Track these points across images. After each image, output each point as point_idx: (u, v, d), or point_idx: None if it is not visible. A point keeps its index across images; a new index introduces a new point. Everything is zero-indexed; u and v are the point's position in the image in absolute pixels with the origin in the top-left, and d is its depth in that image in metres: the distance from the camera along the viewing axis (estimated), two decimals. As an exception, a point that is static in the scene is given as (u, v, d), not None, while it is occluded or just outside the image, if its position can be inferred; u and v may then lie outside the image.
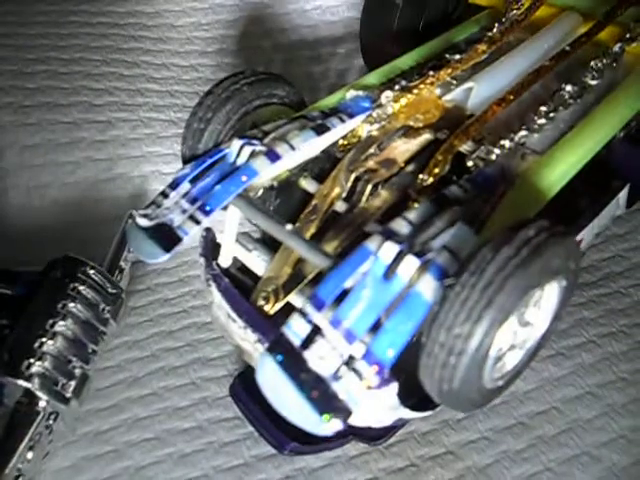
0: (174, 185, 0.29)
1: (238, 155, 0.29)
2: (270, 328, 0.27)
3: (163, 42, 0.51)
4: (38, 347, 0.29)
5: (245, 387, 0.34)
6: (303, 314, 0.23)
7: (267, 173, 0.28)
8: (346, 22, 0.55)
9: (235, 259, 0.31)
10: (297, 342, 0.22)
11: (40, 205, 0.43)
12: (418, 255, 0.23)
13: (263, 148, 0.29)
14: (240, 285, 0.29)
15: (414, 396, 0.24)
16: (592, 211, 0.34)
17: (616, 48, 0.33)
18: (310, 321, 0.22)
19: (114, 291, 0.34)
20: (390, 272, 0.23)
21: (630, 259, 0.46)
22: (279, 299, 0.28)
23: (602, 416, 0.36)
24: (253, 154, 0.28)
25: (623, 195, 0.37)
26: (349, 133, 0.32)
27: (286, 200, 0.31)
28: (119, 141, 0.45)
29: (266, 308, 0.28)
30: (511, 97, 0.31)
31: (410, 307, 0.22)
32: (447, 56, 0.34)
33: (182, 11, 0.53)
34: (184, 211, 0.28)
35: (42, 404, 0.28)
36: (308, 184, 0.31)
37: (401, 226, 0.24)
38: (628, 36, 0.33)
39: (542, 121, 0.30)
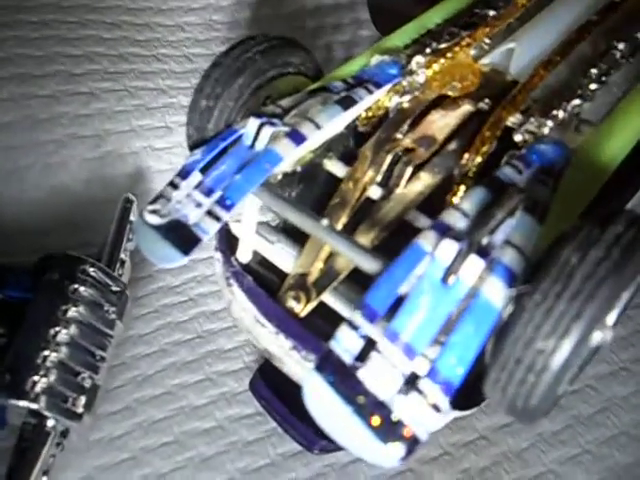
0: (184, 174, 0.26)
1: (256, 137, 0.25)
2: (306, 333, 0.24)
3: (144, -1, 0.46)
4: (42, 362, 0.26)
5: (266, 381, 0.32)
6: (353, 326, 0.20)
7: (292, 157, 0.25)
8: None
9: (255, 253, 0.28)
10: (349, 359, 0.20)
11: (21, 190, 0.39)
12: (480, 253, 0.20)
13: (285, 128, 0.25)
14: (263, 282, 0.27)
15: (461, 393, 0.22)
16: None
17: (669, -2, 0.30)
18: (362, 335, 0.20)
19: (117, 288, 0.31)
20: (450, 275, 0.20)
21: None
22: (311, 299, 0.25)
23: (637, 393, 0.35)
24: (274, 136, 0.25)
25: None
26: (374, 104, 0.29)
27: (310, 185, 0.28)
28: (105, 114, 0.41)
29: (297, 309, 0.25)
30: (558, 58, 0.27)
31: (477, 316, 0.19)
32: (478, 11, 0.31)
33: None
34: (199, 205, 0.24)
35: (51, 423, 0.26)
36: (334, 166, 0.27)
37: (455, 218, 0.21)
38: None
39: (594, 86, 0.26)
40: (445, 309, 0.20)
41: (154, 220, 0.24)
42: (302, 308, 0.25)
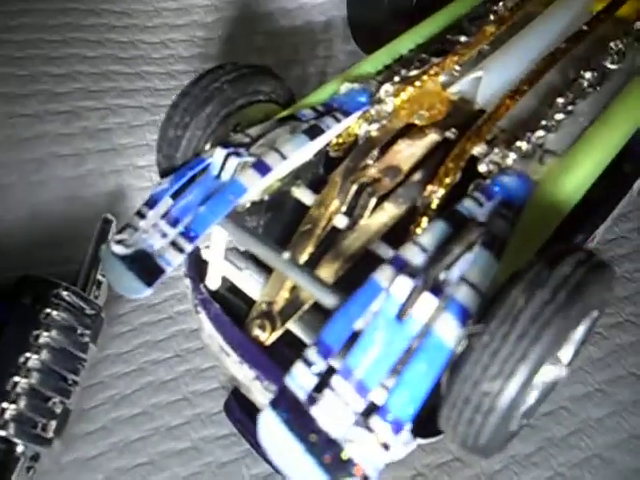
0: (152, 203, 0.26)
1: (222, 167, 0.25)
2: (268, 364, 0.24)
3: (128, 16, 0.46)
4: (12, 388, 0.26)
5: (240, 404, 0.32)
6: (308, 363, 0.20)
7: (256, 188, 0.25)
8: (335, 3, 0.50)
9: (224, 279, 0.28)
10: (303, 396, 0.20)
11: (3, 209, 0.39)
12: (435, 291, 0.20)
13: (251, 159, 0.25)
14: (231, 309, 0.27)
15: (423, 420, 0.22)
16: (607, 206, 0.31)
17: (638, 25, 0.30)
18: (317, 372, 0.20)
19: (92, 312, 0.31)
20: (404, 312, 0.20)
21: (634, 240, 0.44)
22: (276, 327, 0.25)
23: (612, 415, 0.35)
24: (240, 166, 0.25)
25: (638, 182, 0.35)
26: (344, 131, 0.29)
27: (278, 213, 0.28)
28: (87, 133, 0.41)
29: (262, 338, 0.25)
30: (525, 87, 0.27)
31: (429, 354, 0.19)
32: (450, 37, 0.31)
33: (147, -21, 0.47)
34: (165, 235, 0.25)
35: (21, 449, 0.26)
36: (302, 194, 0.28)
37: (413, 253, 0.22)
38: (651, 11, 0.30)
39: (560, 116, 0.27)
40: (399, 346, 0.20)
41: (120, 250, 0.25)
42: (267, 337, 0.25)
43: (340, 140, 0.29)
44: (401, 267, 0.21)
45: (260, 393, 0.25)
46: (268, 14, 0.51)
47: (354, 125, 0.29)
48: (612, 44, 0.29)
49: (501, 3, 0.33)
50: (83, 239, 0.38)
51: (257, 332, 0.25)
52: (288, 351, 0.25)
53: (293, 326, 0.25)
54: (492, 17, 0.32)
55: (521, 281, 0.18)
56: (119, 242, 0.25)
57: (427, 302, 0.20)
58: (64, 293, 0.30)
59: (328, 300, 0.22)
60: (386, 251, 0.25)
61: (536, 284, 0.18)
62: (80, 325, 0.30)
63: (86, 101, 0.41)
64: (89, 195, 0.40)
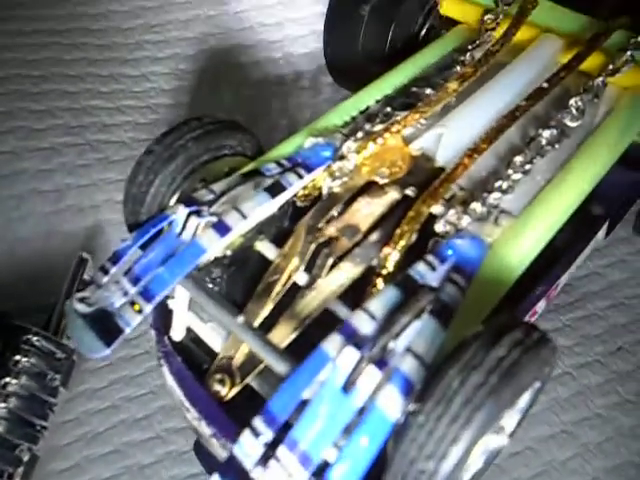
0: (115, 259, 0.27)
1: (184, 226, 0.26)
2: (226, 421, 0.25)
3: (110, 49, 0.47)
4: (-22, 438, 0.27)
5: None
6: (255, 432, 0.21)
7: (216, 248, 0.26)
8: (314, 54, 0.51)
9: (189, 329, 0.29)
10: (250, 465, 0.20)
11: (-18, 244, 0.40)
12: (380, 363, 0.21)
13: (211, 219, 0.26)
14: (194, 361, 0.27)
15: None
16: (572, 253, 0.32)
17: (598, 81, 0.30)
18: (263, 442, 0.20)
19: (63, 355, 0.32)
20: (350, 383, 0.21)
21: (607, 277, 0.45)
22: (235, 383, 0.26)
23: (576, 457, 0.36)
24: (200, 226, 0.26)
25: (603, 228, 0.35)
26: (310, 183, 0.29)
27: (242, 267, 0.28)
28: (66, 169, 0.42)
29: (222, 393, 0.26)
30: (484, 146, 0.28)
31: (371, 426, 0.20)
32: (415, 90, 0.31)
33: (130, 11, 0.48)
34: (126, 293, 0.25)
35: (-13, 498, 0.27)
36: (265, 248, 0.28)
37: (362, 321, 0.22)
38: (611, 67, 0.30)
39: (517, 176, 0.27)
40: (344, 418, 0.20)
41: (82, 308, 0.25)
42: (227, 392, 0.26)
43: (306, 192, 0.30)
44: (349, 336, 0.22)
45: (218, 448, 0.25)
46: (251, 46, 0.51)
47: (319, 178, 0.30)
48: (572, 101, 0.29)
49: (468, 54, 0.33)
50: (60, 274, 0.39)
51: (217, 387, 0.26)
52: (248, 406, 0.25)
53: (253, 381, 0.26)
54: (457, 69, 0.32)
55: (456, 362, 0.19)
56: (81, 300, 0.26)
57: (371, 375, 0.20)
58: (34, 339, 0.31)
59: (279, 367, 0.22)
60: (343, 310, 0.25)
61: (470, 366, 0.18)
62: (50, 370, 0.31)
63: (65, 137, 0.42)
64: (68, 230, 0.41)
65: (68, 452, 0.35)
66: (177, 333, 0.28)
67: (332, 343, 0.22)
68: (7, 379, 0.29)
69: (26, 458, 0.28)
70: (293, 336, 0.25)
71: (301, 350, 0.23)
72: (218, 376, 0.26)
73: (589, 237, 0.33)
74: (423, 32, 0.38)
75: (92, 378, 0.38)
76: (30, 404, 0.29)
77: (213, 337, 0.28)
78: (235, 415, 0.25)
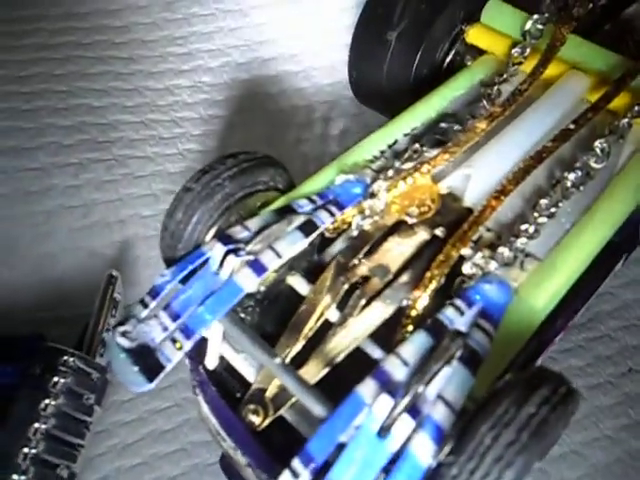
0: (154, 293, 0.28)
1: (221, 264, 0.27)
2: (261, 453, 0.26)
3: (134, 62, 0.47)
4: (22, 459, 0.28)
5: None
6: (294, 473, 0.22)
7: (253, 287, 0.27)
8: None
9: (222, 357, 0.30)
10: (289, 505, 0.22)
11: (11, 260, 0.41)
12: (412, 409, 0.22)
13: (248, 258, 0.27)
14: (228, 389, 0.29)
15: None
16: (592, 285, 0.33)
17: (624, 122, 0.31)
18: (302, 483, 0.22)
19: (97, 375, 0.33)
20: (384, 429, 0.22)
21: (620, 297, 0.46)
22: (268, 414, 0.27)
23: (585, 477, 0.37)
24: (237, 265, 0.27)
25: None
26: (339, 219, 0.30)
27: (274, 302, 0.29)
28: (93, 184, 0.42)
29: (256, 423, 0.27)
30: (510, 187, 0.29)
31: (405, 472, 0.21)
32: (443, 125, 0.32)
33: (153, 23, 0.48)
34: (165, 329, 0.26)
35: (30, 515, 0.28)
36: (297, 282, 0.29)
37: (394, 366, 0.23)
38: (637, 108, 0.31)
39: (543, 220, 0.28)
40: (379, 462, 0.22)
41: (124, 343, 0.26)
42: (260, 422, 0.27)
43: (335, 225, 0.31)
44: (384, 382, 0.23)
45: (253, 477, 0.27)
46: (272, 59, 0.52)
47: (348, 213, 0.30)
48: (597, 142, 0.30)
49: (495, 88, 0.34)
50: (89, 289, 0.40)
51: (251, 417, 0.27)
52: (282, 436, 0.27)
53: (286, 413, 0.27)
54: (485, 104, 0.33)
55: (489, 417, 0.20)
56: (123, 334, 0.27)
57: (406, 422, 0.22)
58: (70, 360, 0.32)
59: (315, 409, 0.23)
60: (374, 349, 0.26)
61: (502, 423, 0.20)
62: (86, 389, 0.32)
63: (92, 152, 0.43)
64: (95, 245, 0.42)
65: (98, 464, 0.37)
66: (211, 362, 0.29)
67: (367, 388, 0.23)
68: (47, 401, 0.30)
69: (65, 476, 0.30)
70: (325, 372, 0.26)
71: (333, 386, 0.25)
72: (252, 406, 0.27)
73: (609, 268, 0.34)
74: (448, 59, 0.39)
75: (119, 390, 0.39)
76: (68, 424, 0.31)
77: (246, 367, 0.29)
78: (269, 444, 0.27)
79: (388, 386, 0.23)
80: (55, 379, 0.31)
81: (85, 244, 0.42)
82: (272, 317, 0.30)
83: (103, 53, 0.47)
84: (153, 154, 0.45)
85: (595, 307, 0.45)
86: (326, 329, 0.28)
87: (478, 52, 0.38)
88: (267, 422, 0.27)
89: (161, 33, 0.49)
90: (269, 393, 0.28)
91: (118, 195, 0.43)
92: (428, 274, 0.26)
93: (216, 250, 0.27)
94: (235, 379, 0.29)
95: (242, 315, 0.30)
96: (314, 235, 0.28)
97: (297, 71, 0.51)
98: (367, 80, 0.41)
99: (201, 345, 0.30)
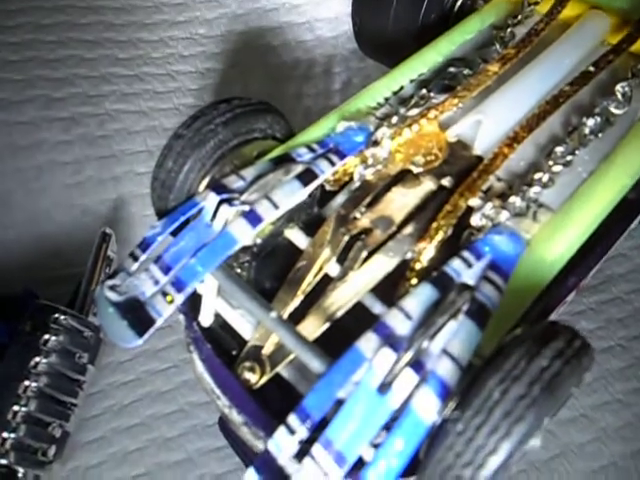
0: (144, 246, 0.26)
1: (215, 214, 0.26)
2: (257, 411, 0.25)
3: (127, 12, 0.45)
4: (12, 417, 0.27)
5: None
6: (290, 429, 0.21)
7: (248, 238, 0.25)
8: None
9: (218, 315, 0.29)
10: (284, 461, 0.21)
11: (3, 215, 0.40)
12: (416, 364, 0.21)
13: (242, 208, 0.25)
14: (224, 347, 0.27)
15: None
16: (606, 242, 0.31)
17: (647, 66, 0.28)
18: (298, 439, 0.21)
19: (90, 333, 0.32)
20: (385, 385, 0.21)
21: (634, 259, 0.44)
22: (265, 372, 0.26)
23: (595, 441, 0.36)
24: (231, 216, 0.25)
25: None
26: (340, 169, 0.29)
27: (271, 255, 0.28)
28: (85, 140, 0.41)
29: (252, 381, 0.26)
30: (524, 134, 0.27)
31: (406, 429, 0.20)
32: (452, 70, 0.30)
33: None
34: (156, 282, 0.25)
35: (21, 474, 0.27)
36: (295, 236, 0.28)
37: (397, 320, 0.22)
38: (662, 50, 0.29)
39: (558, 168, 0.26)
40: (379, 419, 0.20)
41: (113, 297, 0.25)
42: (257, 380, 0.26)
43: (336, 176, 0.29)
44: (386, 336, 0.21)
45: (249, 435, 0.26)
46: (273, 9, 0.49)
47: (350, 162, 0.29)
48: (619, 86, 0.28)
49: (508, 30, 0.32)
50: (83, 247, 0.39)
51: (247, 375, 0.26)
52: (278, 394, 0.26)
53: (283, 370, 0.26)
54: (497, 47, 0.31)
55: (497, 371, 0.19)
56: (112, 288, 0.25)
57: (408, 378, 0.20)
58: (62, 317, 0.31)
59: (313, 364, 0.22)
60: (376, 304, 0.25)
61: (511, 377, 0.18)
62: (78, 348, 0.31)
63: (84, 107, 0.41)
64: (89, 202, 0.41)
65: (95, 424, 0.36)
66: (206, 319, 0.28)
67: (368, 343, 0.21)
68: (37, 358, 0.29)
69: (58, 435, 0.29)
70: (324, 328, 0.25)
71: (332, 342, 0.23)
72: (248, 364, 0.26)
73: (624, 225, 0.32)
74: (459, 3, 0.36)
75: (116, 352, 0.38)
76: (60, 382, 0.30)
77: (242, 324, 0.28)
78: (265, 403, 0.26)
79: (390, 340, 0.21)
80: (46, 337, 0.30)
81: (78, 201, 0.40)
82: (269, 272, 0.28)
83: (94, 3, 0.44)
84: (148, 109, 0.43)
85: (607, 269, 0.43)
86: (326, 283, 0.26)
87: (490, -5, 0.36)
88: (264, 380, 0.26)
89: (155, -18, 0.47)
90: (266, 350, 0.26)
91: (112, 151, 0.41)
92: (434, 224, 0.25)
93: (209, 200, 0.26)
94: (231, 336, 0.28)
95: (238, 270, 0.29)
96: (314, 185, 0.26)
97: (300, 22, 0.49)
98: (372, 28, 0.39)
99: (195, 301, 0.29)
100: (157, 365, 0.39)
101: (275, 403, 0.26)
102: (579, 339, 0.20)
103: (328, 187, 0.29)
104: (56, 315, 0.31)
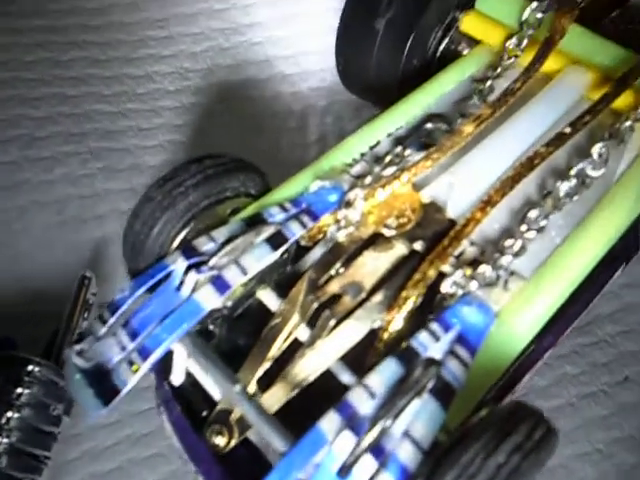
0: (113, 309, 0.26)
1: (183, 281, 0.25)
2: (223, 477, 0.25)
3: (112, 47, 0.44)
4: (-19, 476, 0.27)
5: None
6: (249, 511, 0.21)
7: (215, 305, 0.25)
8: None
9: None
10: None
11: (-15, 256, 0.40)
12: (376, 449, 0.20)
13: (211, 273, 0.25)
14: (194, 407, 0.27)
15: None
16: (585, 299, 0.31)
17: (625, 126, 0.28)
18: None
19: (65, 383, 0.32)
20: (345, 469, 0.20)
21: (622, 298, 0.44)
22: (234, 436, 0.26)
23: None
24: (199, 282, 0.25)
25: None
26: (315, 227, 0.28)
27: (244, 315, 0.28)
28: (68, 179, 0.41)
29: (221, 445, 0.26)
30: (497, 198, 0.26)
31: (366, 516, 0.20)
32: (429, 126, 0.30)
33: (132, 4, 0.45)
34: (124, 348, 0.25)
35: (-9, 532, 0.27)
36: (266, 297, 0.27)
37: (361, 399, 0.22)
38: (640, 110, 0.28)
39: (531, 234, 0.26)
40: (338, 504, 0.20)
41: (80, 363, 0.25)
42: (225, 445, 0.26)
43: (311, 233, 0.29)
44: (348, 417, 0.21)
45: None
46: (259, 42, 0.49)
47: (325, 220, 0.28)
48: (596, 147, 0.27)
49: (488, 83, 0.31)
50: (66, 288, 0.39)
51: (215, 439, 0.26)
52: (248, 459, 0.25)
53: (252, 435, 0.26)
54: (476, 101, 0.30)
55: (454, 467, 0.18)
56: (79, 353, 0.25)
57: (367, 464, 0.20)
58: (36, 369, 0.31)
59: (275, 443, 0.22)
60: (344, 373, 0.25)
61: (468, 475, 0.18)
62: (53, 400, 0.31)
63: (66, 145, 0.41)
64: (71, 242, 0.40)
65: (73, 469, 0.36)
66: (177, 378, 0.28)
67: (330, 423, 0.21)
68: (9, 414, 0.29)
69: (29, 490, 0.29)
70: (290, 397, 0.25)
71: (298, 412, 0.23)
72: (216, 427, 0.26)
73: (603, 282, 0.32)
74: (442, 48, 0.36)
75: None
76: (33, 436, 0.30)
77: (213, 385, 0.27)
78: (233, 468, 0.25)
79: (352, 421, 0.21)
80: (19, 390, 0.30)
81: (61, 241, 0.40)
82: (241, 332, 0.28)
83: (78, 37, 0.44)
84: (132, 146, 0.43)
85: (594, 309, 0.42)
86: (296, 348, 0.26)
87: (475, 41, 0.36)
88: (232, 445, 0.26)
89: (141, 15, 0.46)
90: (235, 414, 0.26)
91: (94, 190, 0.41)
92: (403, 293, 0.25)
93: (178, 265, 0.26)
94: (202, 396, 0.28)
95: (211, 327, 0.29)
96: (283, 249, 0.26)
97: (286, 56, 0.48)
98: (355, 69, 0.39)
99: (168, 359, 0.29)
100: (138, 406, 0.38)
101: (244, 468, 0.26)
102: (542, 426, 0.20)
103: (303, 243, 0.29)
104: (30, 367, 0.31)
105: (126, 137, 0.43)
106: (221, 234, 0.27)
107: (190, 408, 0.27)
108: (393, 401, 0.21)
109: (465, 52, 0.36)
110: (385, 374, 0.22)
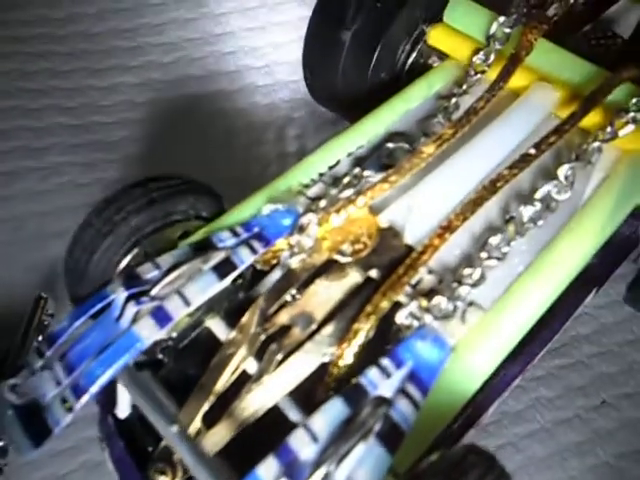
0: (51, 341, 0.25)
1: (123, 311, 0.24)
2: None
3: (76, 58, 0.43)
4: None
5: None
6: None
7: (155, 338, 0.24)
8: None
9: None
10: None
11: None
12: (317, 498, 0.19)
13: (152, 304, 0.24)
14: (141, 442, 0.26)
15: None
16: (552, 328, 0.29)
17: (593, 147, 0.27)
18: None
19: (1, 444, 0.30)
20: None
21: (599, 319, 0.42)
22: (177, 476, 0.25)
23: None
24: (140, 313, 0.24)
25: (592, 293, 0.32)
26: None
27: (192, 345, 0.26)
28: (26, 194, 0.39)
29: (163, 484, 0.25)
30: (457, 223, 0.25)
31: None
32: (390, 146, 0.28)
33: (97, 14, 0.44)
34: (59, 383, 0.23)
35: None
36: (216, 326, 0.26)
37: (302, 443, 0.20)
38: (609, 130, 0.27)
39: (491, 262, 0.24)
40: None
41: (13, 399, 0.23)
42: (167, 484, 0.25)
43: (266, 257, 0.27)
44: (287, 463, 0.20)
45: None
46: (231, 53, 0.48)
47: (279, 245, 0.27)
48: (562, 170, 0.26)
49: (453, 100, 0.30)
50: (25, 305, 0.37)
51: (158, 478, 0.25)
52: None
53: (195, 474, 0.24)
54: (440, 119, 0.29)
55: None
56: (13, 388, 0.24)
57: (304, 517, 0.19)
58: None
59: (211, 488, 0.21)
60: (292, 409, 0.23)
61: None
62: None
63: (26, 160, 0.39)
64: (30, 260, 0.39)
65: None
66: (122, 410, 0.27)
67: (268, 469, 0.20)
68: (-52, 447, 0.28)
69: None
70: (234, 434, 0.24)
71: (242, 450, 0.22)
72: (160, 466, 0.25)
73: (575, 305, 0.30)
74: (410, 61, 0.35)
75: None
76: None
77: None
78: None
79: (291, 467, 0.20)
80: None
81: (20, 258, 0.39)
82: (190, 362, 0.27)
83: (42, 48, 0.42)
84: (94, 160, 0.41)
85: (571, 330, 0.41)
86: (245, 381, 0.25)
87: (446, 55, 0.34)
88: (176, 484, 0.25)
89: (106, 25, 0.45)
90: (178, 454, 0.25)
91: (54, 206, 0.40)
92: (355, 326, 0.23)
93: (119, 292, 0.24)
94: (148, 429, 0.26)
95: (160, 356, 0.28)
96: (230, 278, 0.25)
97: (259, 66, 0.47)
98: (322, 83, 0.38)
99: (112, 391, 0.27)
100: (94, 432, 0.37)
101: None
102: (494, 471, 0.19)
103: (259, 266, 0.28)
104: (-27, 397, 0.29)
105: (88, 151, 0.41)
106: (166, 260, 0.25)
107: (135, 442, 0.26)
108: (337, 445, 0.20)
109: (436, 65, 0.35)
110: (330, 415, 0.21)
